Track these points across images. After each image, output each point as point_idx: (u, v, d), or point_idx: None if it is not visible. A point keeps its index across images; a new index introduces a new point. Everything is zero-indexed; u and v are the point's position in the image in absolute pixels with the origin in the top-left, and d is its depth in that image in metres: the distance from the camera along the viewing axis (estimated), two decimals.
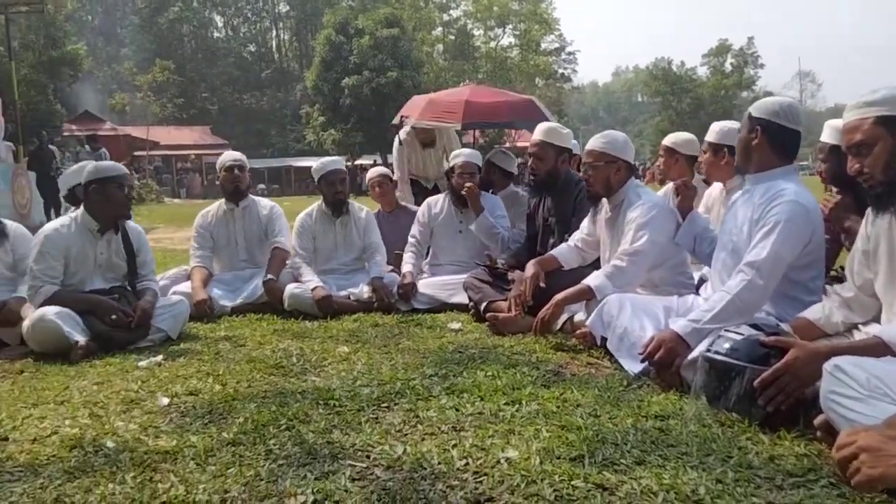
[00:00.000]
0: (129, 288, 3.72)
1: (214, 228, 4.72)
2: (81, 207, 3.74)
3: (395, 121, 6.82)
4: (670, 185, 4.41)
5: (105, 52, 53.54)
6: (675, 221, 3.26)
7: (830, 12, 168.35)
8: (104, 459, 2.01)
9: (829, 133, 3.01)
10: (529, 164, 4.13)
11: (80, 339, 3.31)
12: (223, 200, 4.78)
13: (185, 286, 4.39)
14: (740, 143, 2.74)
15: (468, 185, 4.56)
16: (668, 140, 4.35)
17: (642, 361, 2.61)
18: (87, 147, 18.09)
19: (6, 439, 2.23)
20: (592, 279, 3.19)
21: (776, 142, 2.63)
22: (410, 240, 4.80)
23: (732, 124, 3.57)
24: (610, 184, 3.35)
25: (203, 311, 4.16)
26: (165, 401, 2.56)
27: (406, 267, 4.63)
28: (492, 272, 4.13)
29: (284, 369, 2.99)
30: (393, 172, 5.97)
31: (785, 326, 2.41)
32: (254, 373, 2.93)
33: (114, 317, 3.46)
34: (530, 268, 3.57)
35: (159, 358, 3.20)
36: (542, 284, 3.48)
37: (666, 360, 2.49)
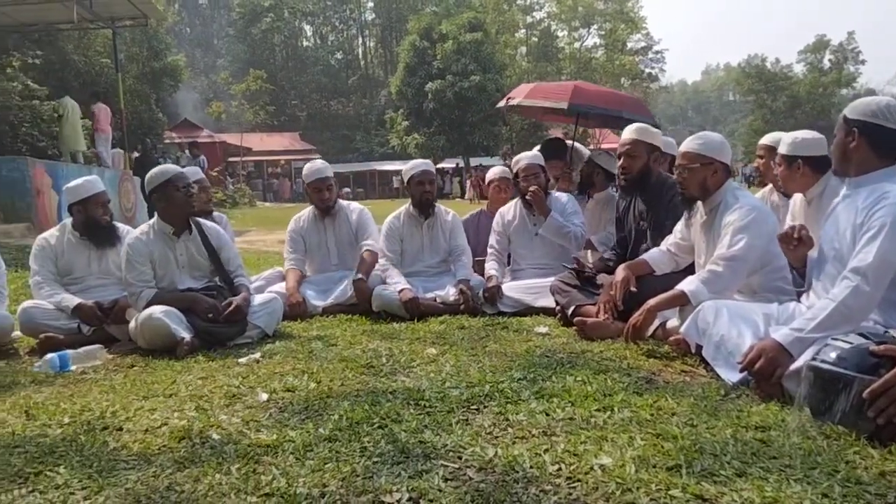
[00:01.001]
0: (223, 285, 3.89)
1: (306, 234, 4.88)
2: (155, 215, 3.94)
3: (501, 104, 6.80)
4: (768, 187, 4.26)
5: (202, 63, 56.25)
6: (774, 225, 3.13)
7: None
8: (210, 451, 2.11)
9: None
10: (620, 163, 4.03)
11: (185, 335, 3.50)
12: (313, 207, 4.92)
13: (280, 287, 4.56)
14: (837, 147, 2.60)
15: (532, 188, 4.55)
16: (769, 139, 4.19)
17: (742, 371, 2.52)
18: (187, 153, 19.05)
19: (121, 429, 2.37)
20: (687, 284, 3.10)
21: (876, 143, 2.49)
22: (490, 249, 4.80)
23: (804, 134, 3.41)
24: (706, 186, 3.25)
25: (297, 313, 4.32)
26: (265, 396, 2.66)
27: (490, 271, 4.64)
28: (579, 275, 4.07)
29: (375, 369, 3.06)
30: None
31: (895, 334, 2.27)
32: (346, 372, 3.01)
33: (210, 315, 3.64)
34: (620, 272, 3.51)
35: (257, 355, 3.33)
36: (632, 289, 3.42)
37: (767, 371, 2.40)
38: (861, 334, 2.15)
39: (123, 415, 2.52)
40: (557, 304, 4.05)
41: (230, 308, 3.67)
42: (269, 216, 19.16)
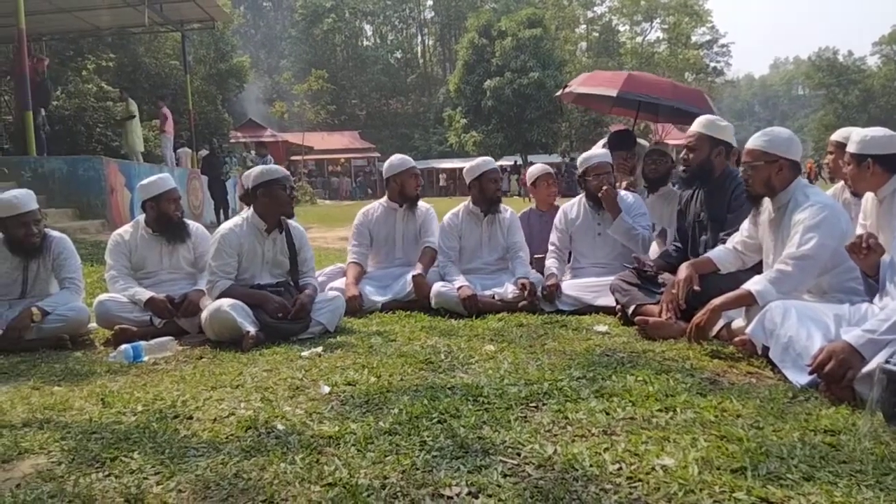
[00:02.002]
0: (291, 283, 3.99)
1: (375, 226, 4.95)
2: (251, 209, 4.05)
3: (559, 93, 6.82)
4: (840, 184, 4.11)
5: (266, 64, 57.60)
6: (847, 223, 3.01)
7: None
8: (275, 441, 2.18)
9: None
10: (682, 155, 3.97)
11: (251, 329, 3.60)
12: (385, 199, 5.00)
13: (341, 282, 4.65)
14: None
15: (605, 187, 4.50)
16: (840, 135, 4.03)
17: (811, 373, 2.45)
18: (252, 153, 19.55)
19: (191, 418, 2.47)
20: (754, 284, 3.02)
21: None
22: (550, 247, 4.78)
23: (873, 131, 3.24)
24: (771, 184, 3.16)
25: (353, 307, 4.38)
26: (327, 389, 2.72)
27: (551, 269, 4.62)
28: (640, 274, 4.01)
29: (433, 365, 3.09)
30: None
31: None
32: (405, 367, 3.04)
33: (280, 315, 3.74)
34: (683, 270, 3.44)
35: (319, 349, 3.41)
36: (696, 288, 3.35)
37: (837, 373, 2.32)
38: None
39: (193, 404, 2.61)
40: (618, 302, 4.00)
41: (296, 307, 3.76)
42: (329, 214, 19.49)
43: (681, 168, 4.03)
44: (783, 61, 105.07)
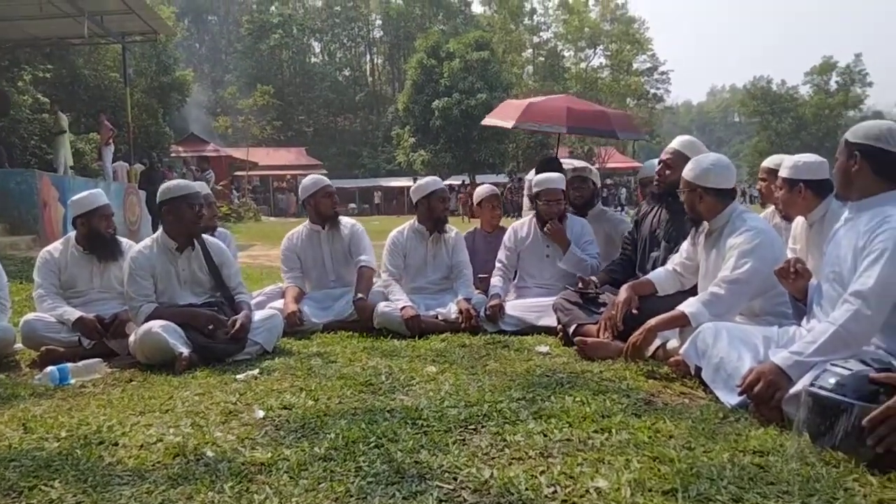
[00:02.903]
0: (224, 302, 3.89)
1: (301, 251, 4.88)
2: (160, 229, 3.94)
3: (487, 122, 6.89)
4: (770, 209, 4.25)
5: (210, 78, 56.66)
6: (781, 249, 3.12)
7: None
8: (204, 468, 2.10)
9: None
10: (657, 171, 4.10)
11: (184, 351, 3.49)
12: (308, 222, 4.93)
13: (280, 303, 4.56)
14: (839, 171, 2.60)
15: (548, 225, 4.57)
16: (771, 162, 4.19)
17: (740, 394, 2.51)
18: (193, 168, 19.14)
19: (117, 444, 2.37)
20: (688, 306, 3.09)
21: (878, 167, 2.49)
22: (498, 264, 4.79)
23: (805, 157, 3.40)
24: (696, 210, 3.31)
25: (294, 323, 4.30)
26: (261, 413, 2.65)
27: (494, 289, 4.62)
28: (583, 294, 4.07)
29: (374, 387, 3.05)
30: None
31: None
32: (344, 389, 2.99)
33: (211, 326, 3.64)
34: (623, 292, 3.51)
35: (255, 371, 3.32)
36: (634, 311, 3.41)
37: (766, 394, 2.38)
38: (861, 360, 2.14)
39: (120, 430, 2.51)
40: (559, 322, 4.04)
41: (236, 327, 3.67)
42: (273, 231, 19.18)
43: (655, 181, 4.15)
44: (720, 89, 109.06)
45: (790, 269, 2.82)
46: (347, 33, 59.90)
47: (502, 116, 6.64)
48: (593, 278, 4.21)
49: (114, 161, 16.38)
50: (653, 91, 51.93)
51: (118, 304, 4.06)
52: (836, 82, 54.83)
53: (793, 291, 2.89)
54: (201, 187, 4.70)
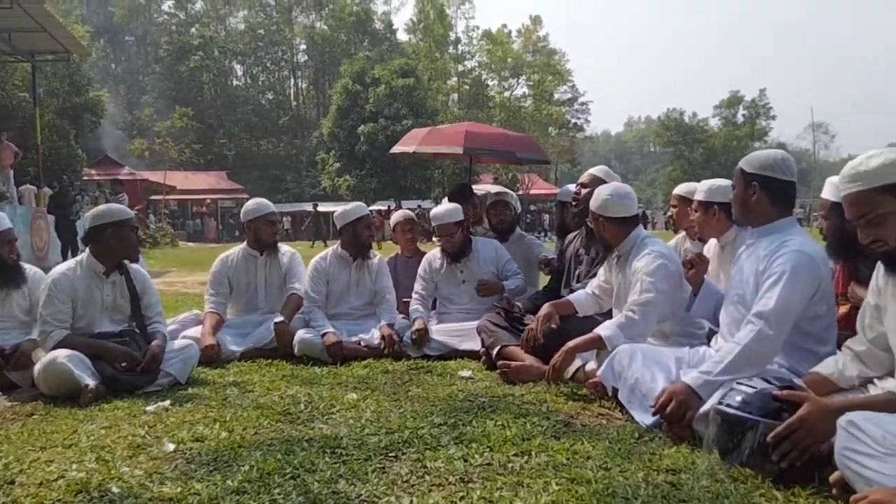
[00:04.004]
0: (137, 331, 3.73)
1: (234, 275, 4.73)
2: (87, 251, 3.78)
3: (394, 150, 6.95)
4: (681, 234, 4.43)
5: (126, 99, 54.81)
6: (680, 271, 3.25)
7: (842, 64, 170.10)
8: None
9: (829, 190, 2.99)
10: (574, 192, 4.28)
11: (90, 382, 3.31)
12: (245, 246, 4.81)
13: (195, 331, 4.40)
14: (737, 200, 2.75)
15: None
16: (682, 189, 4.37)
17: (654, 414, 2.58)
18: (107, 191, 18.38)
19: (13, 482, 2.22)
20: (604, 329, 3.17)
21: (774, 195, 2.65)
22: (415, 295, 4.74)
23: (720, 182, 3.59)
24: (602, 236, 3.48)
25: (211, 357, 4.16)
26: (171, 447, 2.54)
27: (416, 312, 4.59)
28: (508, 315, 4.11)
29: (292, 416, 2.97)
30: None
31: (798, 381, 2.37)
32: (261, 420, 2.91)
33: (123, 364, 3.48)
34: (544, 308, 3.61)
35: (167, 403, 3.19)
36: (553, 325, 3.48)
37: (677, 413, 2.46)
38: (765, 378, 2.23)
39: (17, 467, 2.36)
40: (483, 343, 4.05)
41: (146, 358, 3.51)
42: (190, 257, 18.59)
43: (572, 204, 4.33)
44: (636, 120, 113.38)
45: (688, 259, 3.10)
46: (271, 57, 59.25)
47: (406, 143, 6.74)
48: (518, 303, 4.26)
49: (21, 184, 15.54)
50: (573, 121, 53.60)
51: (21, 334, 3.82)
52: (743, 115, 57.94)
53: (691, 282, 3.13)
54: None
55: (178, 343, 3.87)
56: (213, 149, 50.03)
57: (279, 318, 4.38)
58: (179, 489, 2.11)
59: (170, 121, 40.22)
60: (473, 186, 5.95)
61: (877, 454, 1.71)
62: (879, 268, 2.24)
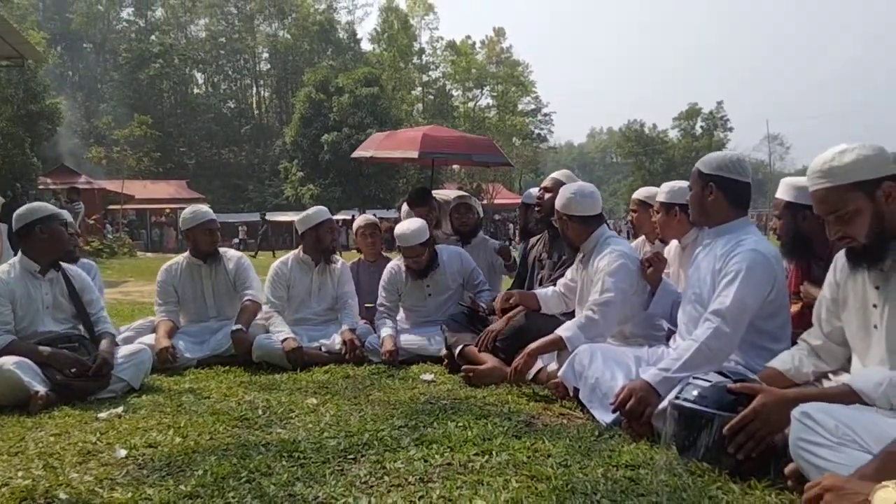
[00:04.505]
0: (87, 336, 3.62)
1: (180, 284, 4.62)
2: (19, 253, 3.68)
3: (354, 154, 6.91)
4: (641, 238, 4.48)
5: (84, 107, 53.63)
6: (639, 272, 3.29)
7: (798, 77, 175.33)
8: None
9: (784, 190, 3.05)
10: (537, 196, 4.33)
11: (40, 389, 3.20)
12: (188, 255, 4.70)
13: (150, 338, 4.29)
14: (695, 200, 2.78)
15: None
16: (641, 194, 4.42)
17: (613, 411, 2.59)
18: (63, 199, 17.92)
19: None
20: (564, 330, 3.18)
21: (730, 195, 2.69)
22: (380, 308, 4.62)
23: (681, 183, 3.64)
24: (566, 236, 3.53)
25: (165, 360, 4.05)
26: (123, 453, 2.47)
27: (385, 331, 4.40)
28: (472, 315, 4.10)
29: (249, 421, 2.91)
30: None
31: (754, 377, 2.40)
32: (216, 425, 2.84)
33: (73, 370, 3.37)
34: (504, 297, 3.75)
35: (119, 409, 3.10)
36: (516, 324, 3.58)
37: (637, 410, 2.47)
38: (720, 372, 2.26)
39: None
40: (446, 343, 4.03)
41: (97, 363, 3.41)
42: (149, 266, 18.18)
43: (535, 208, 4.39)
44: (598, 131, 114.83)
45: (646, 262, 3.21)
46: (233, 65, 58.60)
47: (365, 147, 6.72)
48: (482, 304, 4.27)
49: None
50: (537, 131, 54.15)
51: None
52: (701, 127, 59.16)
53: (650, 280, 3.22)
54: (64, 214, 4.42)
55: (131, 348, 3.76)
56: (174, 157, 49.23)
57: (237, 326, 4.30)
58: (130, 494, 2.05)
59: (128, 129, 39.42)
60: (435, 192, 5.92)
61: (830, 444, 1.74)
62: (837, 262, 2.28)
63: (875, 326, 2.11)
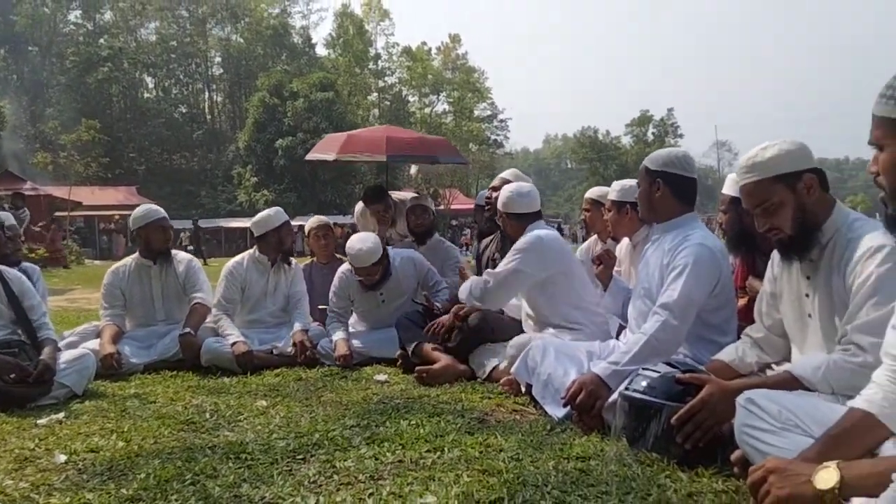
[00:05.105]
0: (27, 342, 3.48)
1: (128, 286, 4.48)
2: None
3: (311, 157, 6.82)
4: (593, 238, 4.53)
5: (30, 111, 51.93)
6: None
7: (743, 86, 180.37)
8: None
9: (730, 185, 3.12)
10: (486, 196, 4.43)
11: None
12: (137, 256, 4.58)
13: (95, 343, 4.14)
14: (643, 197, 2.83)
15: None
16: (593, 193, 4.47)
17: (564, 405, 2.60)
18: (6, 207, 17.30)
19: None
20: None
21: (677, 191, 2.74)
22: (331, 314, 4.53)
23: (632, 182, 3.68)
24: (507, 233, 3.72)
25: (110, 366, 3.92)
26: (62, 458, 2.38)
27: (338, 335, 4.33)
28: (427, 313, 4.08)
29: (195, 425, 2.84)
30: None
31: (701, 369, 2.43)
32: (162, 429, 2.76)
33: (13, 376, 3.23)
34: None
35: (61, 415, 2.99)
36: (470, 323, 3.64)
37: (587, 403, 2.48)
38: (669, 363, 2.28)
39: None
40: (400, 340, 3.99)
41: (39, 369, 3.28)
42: (97, 274, 17.62)
43: (486, 209, 4.49)
44: (554, 137, 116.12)
45: (596, 257, 3.30)
46: (184, 69, 57.39)
47: (324, 150, 6.60)
48: (437, 303, 4.25)
49: None
50: (493, 137, 54.48)
51: None
52: (653, 133, 60.43)
53: (601, 277, 3.33)
54: (5, 217, 4.27)
55: (74, 353, 3.62)
56: (123, 163, 48.01)
57: (185, 329, 4.19)
58: (69, 499, 1.97)
59: (76, 134, 38.33)
60: (392, 192, 5.89)
61: (774, 429, 1.77)
62: (774, 256, 2.34)
63: (809, 315, 2.17)
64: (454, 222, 40.42)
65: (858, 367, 1.86)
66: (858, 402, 1.67)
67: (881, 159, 1.54)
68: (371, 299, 4.56)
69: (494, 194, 4.15)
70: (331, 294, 4.59)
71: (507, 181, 4.13)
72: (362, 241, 4.29)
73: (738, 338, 2.59)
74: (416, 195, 5.58)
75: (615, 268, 3.90)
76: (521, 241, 3.42)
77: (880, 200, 1.61)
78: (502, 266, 3.41)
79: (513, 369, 3.06)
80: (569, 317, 3.37)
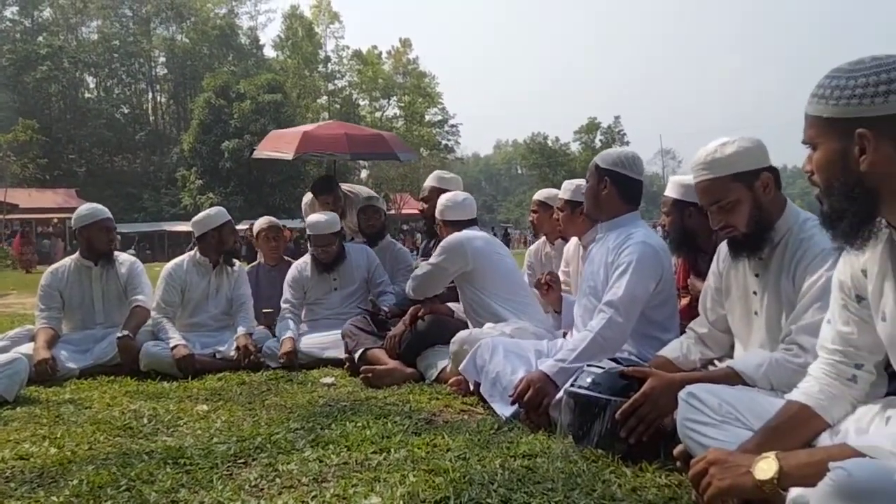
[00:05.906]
0: None
1: (66, 288, 4.31)
2: None
3: (257, 154, 6.74)
4: (542, 240, 4.56)
5: None
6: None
7: (685, 96, 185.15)
8: None
9: (672, 187, 3.15)
10: (419, 208, 4.53)
11: None
12: (77, 257, 4.41)
13: (28, 347, 3.97)
14: (589, 193, 2.86)
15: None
16: (541, 195, 4.50)
17: (512, 403, 2.60)
18: None
19: None
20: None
21: (623, 190, 2.78)
22: (285, 305, 4.52)
23: (584, 181, 3.73)
24: (442, 236, 3.79)
25: (44, 372, 3.76)
26: None
27: (286, 333, 4.30)
28: (373, 319, 4.04)
29: (132, 430, 2.74)
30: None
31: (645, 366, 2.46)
32: (96, 434, 2.66)
33: None
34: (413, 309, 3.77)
35: None
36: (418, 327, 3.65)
37: (535, 401, 2.49)
38: (614, 359, 2.30)
39: None
40: (347, 347, 3.95)
41: None
42: (33, 279, 17.03)
43: (421, 212, 4.55)
44: (504, 143, 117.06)
45: (543, 281, 3.26)
46: (127, 69, 55.77)
47: (278, 147, 6.40)
48: (384, 307, 4.21)
49: None
50: (444, 142, 54.57)
51: None
52: (601, 140, 61.37)
53: (549, 303, 3.31)
54: None
55: (5, 357, 3.46)
56: (62, 165, 46.43)
57: (123, 332, 4.05)
58: None
59: (12, 134, 36.89)
60: (345, 185, 5.83)
61: (714, 422, 1.79)
62: (720, 252, 2.36)
63: (756, 313, 2.20)
64: (405, 226, 40.36)
65: (799, 367, 1.88)
66: (796, 394, 1.71)
67: (815, 158, 1.57)
68: (324, 284, 4.58)
69: (426, 206, 4.31)
70: (285, 286, 4.59)
71: (435, 189, 4.26)
72: (321, 213, 4.65)
73: (681, 335, 2.63)
74: (369, 195, 5.49)
75: (562, 268, 3.95)
76: (446, 240, 3.57)
77: (815, 198, 1.64)
78: (429, 262, 3.61)
79: (461, 367, 3.04)
80: (497, 312, 3.42)
